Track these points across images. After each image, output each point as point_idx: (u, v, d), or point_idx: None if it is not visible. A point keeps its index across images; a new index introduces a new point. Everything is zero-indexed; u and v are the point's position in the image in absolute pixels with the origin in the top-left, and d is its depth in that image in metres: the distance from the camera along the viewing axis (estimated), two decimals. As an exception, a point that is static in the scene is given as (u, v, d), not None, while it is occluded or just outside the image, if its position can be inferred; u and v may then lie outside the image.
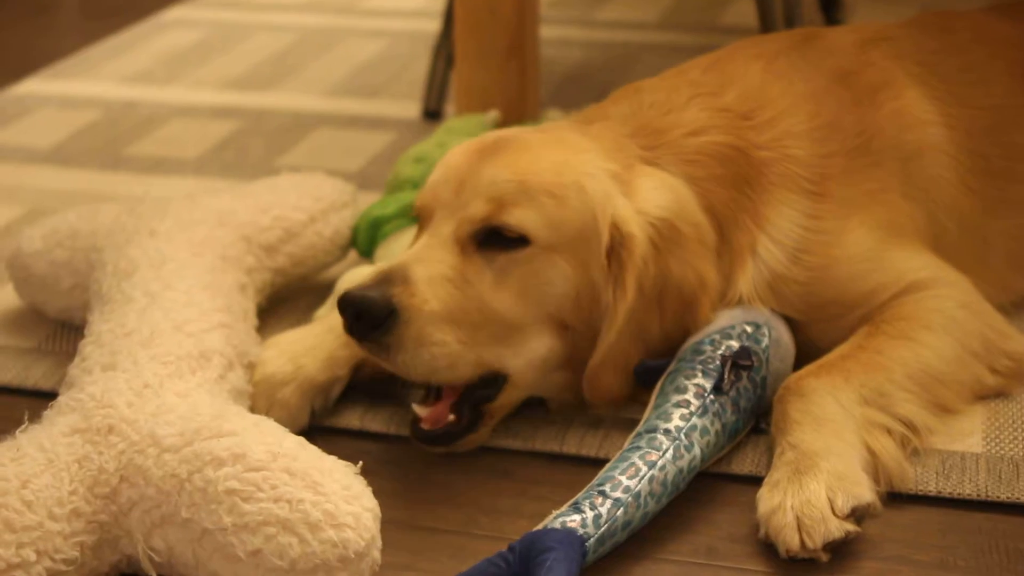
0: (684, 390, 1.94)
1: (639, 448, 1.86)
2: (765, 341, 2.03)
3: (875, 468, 1.89)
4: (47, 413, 1.86)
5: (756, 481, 1.90)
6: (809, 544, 1.76)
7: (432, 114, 3.40)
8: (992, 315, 2.14)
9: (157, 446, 1.75)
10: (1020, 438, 2.02)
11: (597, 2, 4.34)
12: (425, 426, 2.01)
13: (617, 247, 1.99)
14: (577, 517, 1.75)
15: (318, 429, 2.10)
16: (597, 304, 2.01)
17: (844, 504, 1.78)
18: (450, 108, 3.37)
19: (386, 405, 2.14)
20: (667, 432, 1.88)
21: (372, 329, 1.92)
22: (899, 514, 1.88)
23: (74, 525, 1.72)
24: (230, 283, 2.18)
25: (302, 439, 1.80)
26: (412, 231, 2.40)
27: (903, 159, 2.19)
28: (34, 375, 2.26)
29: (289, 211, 2.39)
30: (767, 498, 1.82)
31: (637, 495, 1.80)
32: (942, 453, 1.99)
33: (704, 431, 1.91)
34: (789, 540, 1.76)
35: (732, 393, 1.96)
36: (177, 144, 3.28)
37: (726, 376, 1.95)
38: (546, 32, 3.54)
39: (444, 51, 3.38)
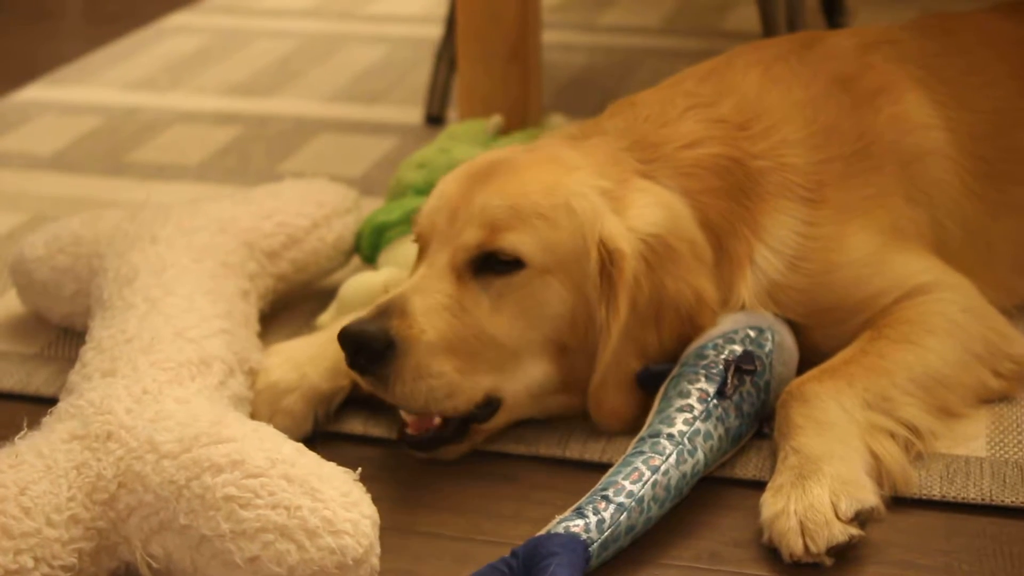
0: (687, 394, 1.93)
1: (642, 453, 1.85)
2: (769, 345, 2.02)
3: (879, 472, 1.89)
4: (46, 419, 1.86)
5: (759, 486, 1.89)
6: (813, 548, 1.75)
7: (434, 119, 3.40)
8: (995, 318, 2.13)
9: (155, 452, 1.75)
10: (1024, 442, 2.02)
11: (599, 7, 4.34)
12: (411, 431, 2.01)
13: (607, 266, 1.99)
14: (580, 522, 1.75)
15: (320, 435, 2.10)
16: (593, 324, 2.01)
17: (848, 508, 1.77)
18: (452, 113, 3.36)
19: (388, 411, 2.13)
20: (670, 437, 1.87)
21: (371, 363, 1.92)
22: (903, 518, 1.87)
23: (72, 531, 1.71)
24: (232, 289, 2.18)
25: (301, 445, 1.80)
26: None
27: (903, 163, 2.18)
28: (36, 381, 2.26)
29: (292, 217, 2.39)
30: (771, 503, 1.81)
31: (640, 500, 1.80)
32: (946, 457, 1.98)
33: (707, 436, 1.90)
34: (793, 544, 1.76)
35: (735, 398, 1.95)
36: (179, 150, 3.28)
37: (729, 380, 1.95)
38: (548, 37, 3.54)
39: (446, 56, 3.38)
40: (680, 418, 1.90)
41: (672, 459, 1.85)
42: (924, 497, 1.91)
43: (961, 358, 2.06)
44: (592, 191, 2.03)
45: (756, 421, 2.01)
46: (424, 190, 2.53)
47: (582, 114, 2.31)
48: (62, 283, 2.32)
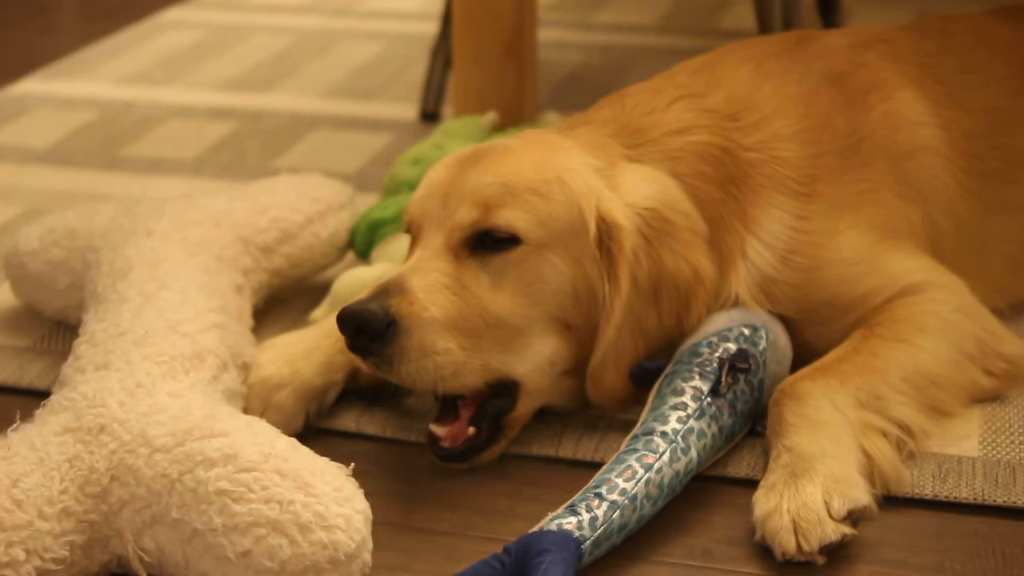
0: (681, 393, 1.93)
1: (636, 451, 1.85)
2: (762, 344, 2.02)
3: (871, 471, 1.89)
4: (39, 412, 1.86)
5: (752, 484, 1.90)
6: (805, 547, 1.75)
7: (429, 116, 3.40)
8: (987, 317, 2.14)
9: (148, 446, 1.75)
10: (1017, 442, 2.02)
11: (595, 5, 4.34)
12: (445, 444, 1.98)
13: (606, 239, 1.99)
14: (573, 519, 1.75)
15: (314, 431, 2.10)
16: (595, 300, 2.01)
17: (840, 507, 1.77)
18: (448, 110, 3.37)
19: (382, 407, 2.14)
20: (664, 435, 1.88)
21: (373, 342, 1.90)
22: (895, 517, 1.88)
23: (64, 524, 1.71)
24: (226, 284, 2.18)
25: (294, 440, 1.80)
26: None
27: (895, 160, 2.19)
28: (29, 374, 2.26)
29: (286, 212, 2.39)
30: (763, 501, 1.81)
31: (633, 498, 1.80)
32: (938, 457, 1.98)
33: (701, 434, 1.90)
34: (785, 543, 1.76)
35: (729, 396, 1.96)
36: (174, 145, 3.28)
37: (723, 379, 1.95)
38: (544, 35, 3.54)
39: (442, 53, 3.38)
40: (674, 416, 1.90)
41: (666, 457, 1.85)
42: (916, 496, 1.91)
43: (953, 357, 2.06)
44: (585, 167, 2.03)
45: (749, 420, 2.01)
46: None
47: (577, 112, 2.31)
48: (56, 276, 2.32)
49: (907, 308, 2.08)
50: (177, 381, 1.91)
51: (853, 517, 1.79)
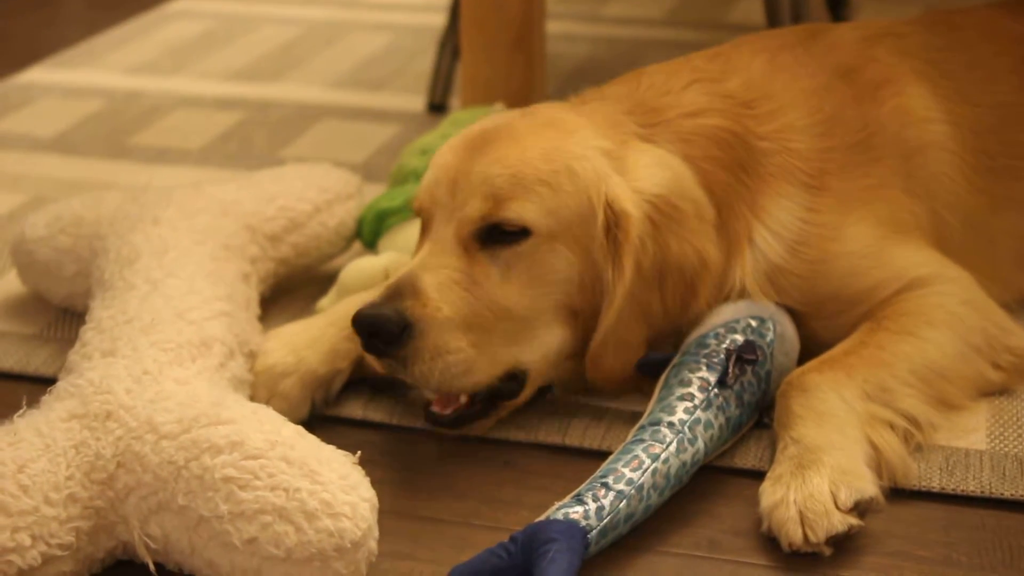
0: (688, 383, 1.93)
1: (642, 441, 1.85)
2: (770, 335, 2.02)
3: (878, 463, 1.89)
4: (46, 398, 1.86)
5: (759, 475, 1.89)
6: (812, 538, 1.75)
7: (437, 107, 3.40)
8: (994, 311, 2.13)
9: (155, 433, 1.75)
10: (1024, 435, 2.02)
11: (603, -2, 4.34)
12: (436, 408, 2.00)
13: (613, 227, 1.98)
14: (580, 509, 1.75)
15: (320, 419, 2.10)
16: (601, 285, 2.01)
17: (847, 498, 1.77)
18: (455, 101, 3.36)
19: (389, 395, 2.14)
20: (671, 425, 1.87)
21: (388, 345, 1.91)
22: (902, 510, 1.87)
23: (70, 510, 1.71)
24: (233, 272, 2.17)
25: (300, 428, 1.79)
26: (416, 223, 2.39)
27: (904, 155, 2.18)
28: (36, 361, 2.26)
29: (294, 201, 2.38)
30: (770, 492, 1.81)
31: (640, 488, 1.79)
32: (946, 449, 1.98)
33: (708, 425, 1.90)
34: (792, 534, 1.76)
35: (736, 387, 1.95)
36: (181, 134, 3.28)
37: (730, 370, 1.95)
38: (552, 27, 3.54)
39: (450, 44, 3.37)
40: (681, 407, 1.90)
41: (672, 447, 1.85)
42: (923, 489, 1.91)
43: (960, 350, 2.06)
44: (594, 152, 2.02)
45: (756, 411, 2.01)
46: (427, 176, 2.53)
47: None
48: (63, 263, 2.32)
49: (914, 301, 2.07)
50: (184, 368, 1.90)
51: (860, 508, 1.79)
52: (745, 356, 1.96)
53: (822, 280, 2.09)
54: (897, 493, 1.89)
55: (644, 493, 1.80)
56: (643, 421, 1.90)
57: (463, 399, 2.00)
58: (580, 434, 2.04)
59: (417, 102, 3.46)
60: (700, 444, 1.88)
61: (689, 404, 1.90)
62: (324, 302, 2.33)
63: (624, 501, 1.78)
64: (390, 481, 1.95)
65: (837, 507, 1.77)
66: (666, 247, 2.00)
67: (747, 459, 1.97)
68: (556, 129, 2.05)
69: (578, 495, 1.78)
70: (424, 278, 1.95)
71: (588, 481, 1.80)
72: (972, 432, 2.01)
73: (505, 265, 1.98)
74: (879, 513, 1.82)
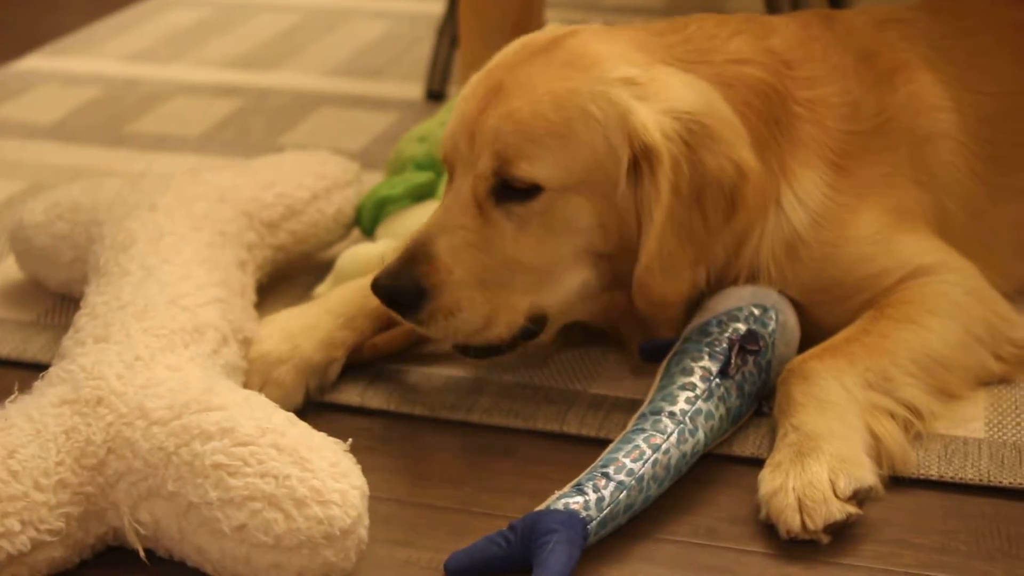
0: (690, 372, 1.93)
1: (644, 430, 1.85)
2: (772, 325, 2.01)
3: (878, 452, 1.88)
4: (37, 384, 1.86)
5: (757, 463, 1.89)
6: (810, 525, 1.75)
7: (435, 95, 3.39)
8: (998, 301, 2.13)
9: (145, 419, 1.74)
10: (1023, 424, 2.01)
11: (602, -14, 4.33)
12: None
13: (641, 160, 1.94)
14: (580, 499, 1.74)
15: (318, 405, 2.10)
16: (626, 225, 1.98)
17: (846, 486, 1.77)
18: (453, 89, 3.36)
19: (387, 382, 2.14)
20: (672, 415, 1.87)
21: (406, 310, 1.95)
22: (901, 498, 1.87)
23: (60, 496, 1.71)
24: (229, 258, 2.17)
25: (292, 415, 1.79)
26: (416, 210, 2.39)
27: (915, 144, 2.18)
28: (32, 348, 2.26)
29: (292, 188, 2.38)
30: (769, 479, 1.81)
31: (640, 478, 1.79)
32: (945, 438, 1.98)
33: (709, 415, 1.90)
34: (790, 521, 1.76)
35: (738, 378, 1.95)
36: (179, 122, 3.27)
37: (733, 360, 1.94)
38: (551, 16, 3.52)
39: (448, 32, 3.37)
40: (682, 396, 1.90)
41: (673, 438, 1.85)
42: (922, 477, 1.91)
43: (962, 340, 2.05)
44: (613, 85, 1.97)
45: (756, 401, 2.00)
46: (424, 163, 2.53)
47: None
48: (60, 250, 2.31)
49: (918, 289, 2.07)
50: (176, 354, 1.90)
51: (859, 497, 1.78)
52: (748, 347, 1.96)
53: (831, 263, 2.08)
54: (896, 481, 1.89)
55: (644, 484, 1.79)
56: (644, 409, 1.90)
57: None
58: (578, 421, 2.04)
59: (415, 90, 3.45)
60: (700, 435, 1.88)
61: (691, 394, 1.90)
62: (321, 289, 2.33)
63: (624, 492, 1.77)
64: (387, 468, 1.95)
65: (836, 495, 1.77)
66: (701, 164, 1.95)
67: (745, 447, 1.97)
68: (574, 67, 1.99)
69: (578, 484, 1.77)
70: (438, 242, 1.96)
71: (588, 470, 1.80)
72: (971, 421, 2.01)
73: (520, 221, 1.97)
74: (877, 501, 1.82)
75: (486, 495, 1.90)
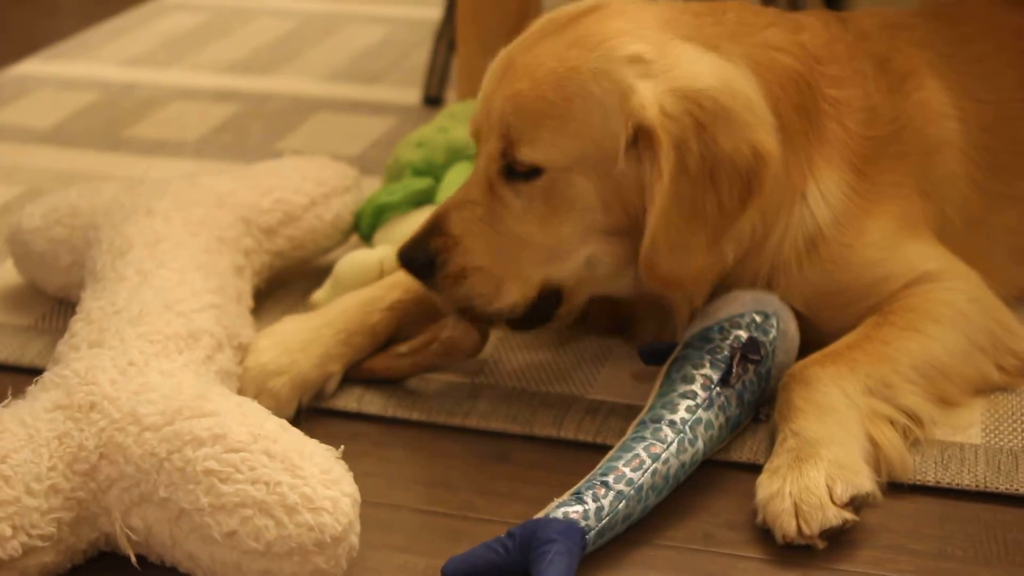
0: (691, 380, 1.92)
1: (644, 439, 1.84)
2: (773, 332, 2.01)
3: (877, 458, 1.88)
4: (31, 388, 1.86)
5: (754, 468, 1.89)
6: (806, 531, 1.75)
7: (433, 100, 3.40)
8: (1002, 311, 2.13)
9: (138, 424, 1.74)
10: (1019, 430, 2.01)
11: (600, -8, 4.32)
12: None
13: (641, 137, 1.93)
14: (579, 508, 1.74)
15: (315, 411, 2.10)
16: (630, 203, 1.97)
17: (843, 492, 1.77)
18: (451, 94, 3.36)
19: (384, 387, 2.14)
20: (672, 424, 1.86)
21: (421, 276, 2.04)
22: (898, 504, 1.87)
23: (52, 501, 1.70)
24: (225, 264, 2.17)
25: (284, 422, 1.79)
26: (414, 216, 2.40)
27: (924, 153, 2.17)
28: (30, 353, 2.25)
29: (290, 194, 2.38)
30: (766, 484, 1.81)
31: (639, 488, 1.79)
32: (941, 444, 1.98)
33: (709, 425, 1.89)
34: (786, 526, 1.76)
35: (738, 386, 1.95)
36: (177, 126, 3.27)
37: (734, 369, 1.94)
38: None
39: (446, 37, 3.37)
40: (683, 404, 1.89)
41: (673, 448, 1.84)
42: (919, 483, 1.91)
43: (964, 349, 2.05)
44: (617, 63, 1.95)
45: (754, 409, 2.00)
46: (422, 169, 2.53)
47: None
48: (58, 254, 2.31)
49: (921, 296, 2.07)
50: (170, 360, 1.90)
51: (856, 503, 1.78)
52: (750, 355, 1.95)
53: (845, 266, 2.08)
54: (892, 487, 1.89)
55: (643, 494, 1.79)
56: (644, 416, 1.90)
57: None
58: (575, 427, 2.04)
59: (413, 95, 3.45)
60: (700, 444, 1.87)
61: (691, 402, 1.90)
62: (319, 295, 2.33)
63: (623, 502, 1.77)
64: (384, 473, 1.95)
65: (833, 501, 1.77)
66: (714, 144, 1.93)
67: (743, 453, 1.97)
68: (582, 46, 1.98)
69: (577, 493, 1.77)
70: (452, 217, 2.02)
71: (588, 478, 1.80)
72: (968, 427, 2.01)
73: (526, 199, 1.99)
74: (875, 507, 1.82)
75: (483, 500, 1.90)
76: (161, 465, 1.70)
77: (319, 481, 1.68)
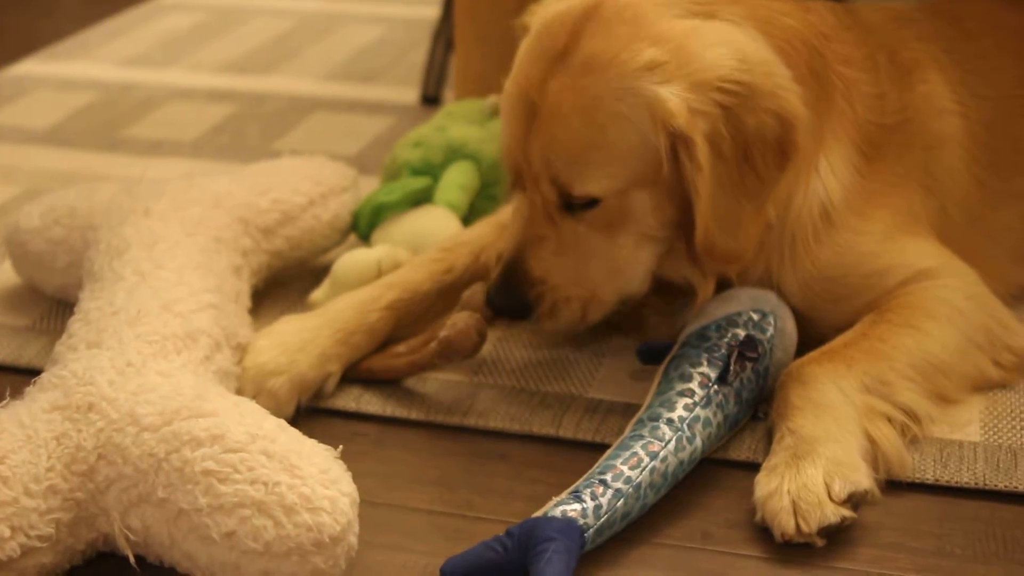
0: (689, 378, 1.93)
1: (642, 437, 1.84)
2: (770, 331, 2.01)
3: (874, 456, 1.88)
4: (29, 389, 1.85)
5: (753, 467, 1.89)
6: (804, 528, 1.75)
7: (430, 99, 3.39)
8: (998, 308, 2.13)
9: (136, 425, 1.74)
10: (1018, 427, 2.01)
11: (597, -10, 4.32)
12: None
13: (677, 140, 1.93)
14: (578, 507, 1.74)
15: (313, 410, 2.10)
16: (679, 197, 1.99)
17: (841, 490, 1.77)
18: (449, 94, 3.36)
19: (382, 386, 2.14)
20: (670, 422, 1.87)
21: (520, 319, 2.10)
22: (896, 501, 1.87)
23: (50, 502, 1.70)
24: (223, 264, 2.17)
25: (282, 421, 1.79)
26: (412, 216, 2.40)
27: (927, 147, 2.18)
28: (28, 354, 2.25)
29: (288, 194, 2.38)
30: (764, 482, 1.81)
31: (638, 486, 1.79)
32: (940, 441, 1.98)
33: (707, 423, 1.89)
34: (785, 524, 1.76)
35: (736, 384, 1.95)
36: (174, 126, 3.27)
37: (732, 367, 1.94)
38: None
39: (443, 36, 3.37)
40: (681, 403, 1.89)
41: (671, 446, 1.84)
42: (918, 481, 1.91)
43: (961, 345, 2.05)
44: (635, 78, 1.94)
45: (752, 407, 2.00)
46: (420, 168, 2.53)
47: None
48: (56, 255, 2.31)
49: (919, 294, 2.07)
50: (168, 361, 1.90)
51: (854, 500, 1.78)
52: (747, 353, 1.96)
53: (848, 249, 2.09)
54: (891, 485, 1.89)
55: (641, 492, 1.79)
56: (642, 414, 1.90)
57: None
58: (574, 426, 2.04)
59: (410, 94, 3.45)
60: (698, 442, 1.87)
61: (689, 400, 1.90)
62: (317, 294, 2.32)
63: (622, 500, 1.77)
64: (382, 473, 1.95)
65: (831, 498, 1.77)
66: (741, 124, 1.94)
67: (741, 451, 1.97)
68: (594, 70, 1.96)
69: (576, 491, 1.77)
70: (529, 259, 2.05)
71: (586, 476, 1.80)
72: (967, 424, 2.01)
73: (588, 223, 2.02)
74: (873, 505, 1.82)
75: (482, 499, 1.90)
76: (159, 465, 1.70)
77: (317, 481, 1.68)
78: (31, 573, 1.70)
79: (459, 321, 2.08)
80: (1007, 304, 2.19)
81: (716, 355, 1.95)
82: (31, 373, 2.18)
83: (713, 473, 1.93)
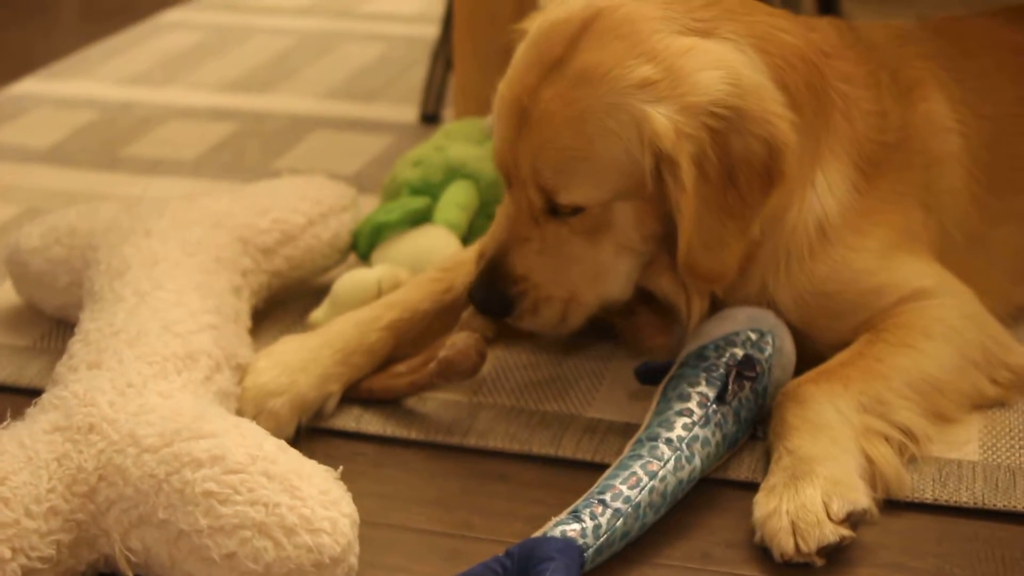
0: (687, 398, 1.93)
1: (640, 457, 1.85)
2: (769, 350, 2.02)
3: (872, 475, 1.89)
4: (30, 410, 1.86)
5: (752, 487, 1.89)
6: (803, 548, 1.75)
7: (430, 118, 3.40)
8: (994, 326, 2.13)
9: (137, 446, 1.75)
10: (1017, 447, 2.02)
11: (596, 9, 4.33)
12: None
13: (662, 161, 1.94)
14: (577, 526, 1.74)
15: (313, 430, 2.10)
16: (658, 212, 2.00)
17: (840, 509, 1.78)
18: (448, 113, 3.36)
19: (382, 406, 2.14)
20: (669, 442, 1.87)
21: (500, 315, 2.11)
22: (895, 521, 1.87)
23: (51, 523, 1.71)
24: (223, 284, 2.17)
25: (282, 442, 1.79)
26: (412, 235, 2.41)
27: (927, 165, 2.18)
28: (28, 374, 2.26)
29: (288, 214, 2.38)
30: (763, 502, 1.81)
31: (637, 506, 1.79)
32: (939, 461, 1.98)
33: (705, 442, 1.90)
34: (784, 544, 1.76)
35: (734, 404, 1.95)
36: (174, 145, 3.27)
37: (730, 387, 1.94)
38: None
39: (443, 55, 3.38)
40: (679, 422, 1.90)
41: (670, 465, 1.85)
42: (916, 500, 1.91)
43: (958, 364, 2.06)
44: (626, 94, 1.94)
45: (751, 426, 2.00)
46: (419, 188, 2.54)
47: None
48: (57, 274, 2.31)
49: (915, 313, 2.07)
50: (168, 381, 1.90)
51: (852, 520, 1.79)
52: (746, 373, 1.96)
53: (844, 266, 2.09)
54: (890, 504, 1.89)
55: (641, 511, 1.80)
56: (640, 434, 1.90)
57: None
58: (573, 446, 2.04)
59: (410, 113, 3.46)
60: (697, 462, 1.88)
61: (688, 420, 1.90)
62: (317, 314, 2.33)
63: (621, 519, 1.77)
64: (382, 493, 1.95)
65: (830, 518, 1.77)
66: (729, 148, 1.94)
67: (740, 471, 1.97)
68: (586, 83, 1.97)
69: (575, 511, 1.77)
70: (513, 257, 2.07)
71: (585, 497, 1.80)
72: (965, 444, 2.02)
73: (572, 228, 2.04)
74: (872, 525, 1.83)
75: (481, 520, 1.90)
76: (160, 486, 1.71)
77: (318, 502, 1.69)
78: (31, 594, 1.71)
79: (459, 341, 2.08)
80: (1005, 323, 2.20)
81: (714, 375, 1.96)
82: (32, 393, 2.18)
83: (712, 493, 1.93)
